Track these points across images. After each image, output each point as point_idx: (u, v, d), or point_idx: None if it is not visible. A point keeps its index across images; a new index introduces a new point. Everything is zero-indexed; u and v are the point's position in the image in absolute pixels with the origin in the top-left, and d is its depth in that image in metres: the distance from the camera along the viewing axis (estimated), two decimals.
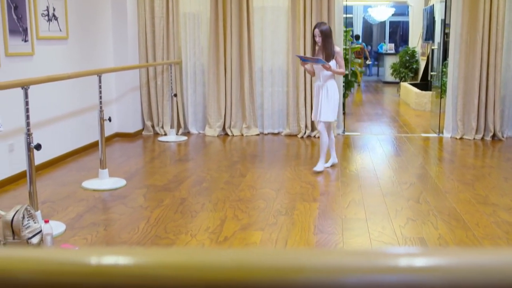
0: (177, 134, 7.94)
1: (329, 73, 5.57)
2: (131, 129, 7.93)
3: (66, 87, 6.33)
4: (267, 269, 0.54)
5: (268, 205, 4.65)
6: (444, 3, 8.41)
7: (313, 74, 5.79)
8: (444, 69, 8.31)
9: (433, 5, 11.49)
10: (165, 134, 8.00)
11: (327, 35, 5.54)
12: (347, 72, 8.46)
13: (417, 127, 8.92)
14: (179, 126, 8.14)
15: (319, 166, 5.77)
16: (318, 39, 5.55)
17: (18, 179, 5.46)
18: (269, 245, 3.77)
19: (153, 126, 8.19)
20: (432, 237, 3.91)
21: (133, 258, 0.54)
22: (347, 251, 0.58)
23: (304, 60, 5.71)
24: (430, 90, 11.02)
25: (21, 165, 5.49)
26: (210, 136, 7.92)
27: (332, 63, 5.54)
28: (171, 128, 7.90)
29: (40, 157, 5.74)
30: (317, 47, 5.68)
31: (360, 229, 4.10)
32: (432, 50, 11.45)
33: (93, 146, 7.06)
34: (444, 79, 8.18)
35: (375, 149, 7.12)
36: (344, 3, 7.94)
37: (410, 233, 3.99)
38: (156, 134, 8.14)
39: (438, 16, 10.59)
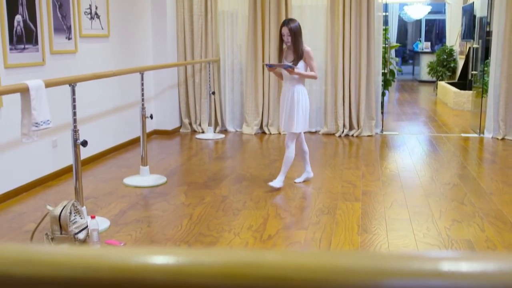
0: (214, 132, 7.96)
1: (297, 76, 4.90)
2: (169, 127, 7.98)
3: (106, 84, 6.40)
4: (355, 272, 0.52)
5: (310, 204, 4.63)
6: (486, 1, 8.26)
7: (281, 77, 5.09)
8: (485, 68, 8.16)
9: (473, 2, 11.30)
10: (203, 132, 8.04)
11: (296, 34, 4.84)
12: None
13: (456, 127, 8.78)
14: (216, 124, 8.16)
15: (277, 182, 5.04)
16: (287, 38, 4.85)
17: (61, 175, 5.54)
18: (313, 244, 3.74)
19: (190, 124, 8.23)
20: (479, 239, 3.84)
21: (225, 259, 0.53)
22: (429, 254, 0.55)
23: (271, 66, 4.99)
24: (469, 89, 10.85)
25: (64, 161, 5.58)
26: (247, 134, 7.93)
27: (301, 65, 4.89)
28: (209, 126, 7.93)
29: (82, 153, 5.81)
30: (285, 47, 5.01)
31: (405, 230, 4.05)
32: (472, 49, 11.26)
33: (132, 143, 7.13)
34: (485, 78, 8.03)
35: (415, 148, 7.03)
36: (384, 1, 7.85)
37: (456, 235, 3.92)
38: (194, 131, 8.18)
39: (479, 14, 10.41)
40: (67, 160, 5.65)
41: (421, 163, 6.23)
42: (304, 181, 5.30)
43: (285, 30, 4.83)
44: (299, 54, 4.87)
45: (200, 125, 8.16)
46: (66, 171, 5.62)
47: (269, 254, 0.53)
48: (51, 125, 3.55)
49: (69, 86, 3.91)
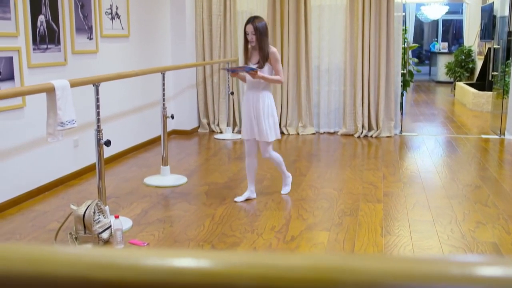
0: (232, 132, 7.96)
1: (261, 80, 4.49)
2: (188, 127, 7.99)
3: (125, 84, 6.42)
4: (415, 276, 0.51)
5: (332, 205, 4.60)
6: (507, 0, 8.17)
7: (244, 80, 4.68)
8: (506, 69, 8.08)
9: (493, 2, 11.20)
10: (221, 132, 8.04)
11: (262, 33, 4.41)
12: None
13: (476, 128, 8.71)
14: (234, 124, 8.16)
15: (285, 189, 5.01)
16: (251, 37, 4.41)
17: (82, 174, 5.56)
18: (337, 246, 3.72)
19: (208, 124, 8.23)
20: (505, 242, 3.79)
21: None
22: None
23: (232, 70, 4.59)
24: (488, 90, 10.75)
25: (85, 161, 5.61)
26: None
27: (267, 68, 4.48)
28: (227, 126, 7.93)
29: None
30: (250, 47, 4.56)
31: (428, 231, 4.01)
32: (491, 49, 11.16)
33: (151, 142, 7.14)
34: (506, 79, 7.95)
35: (434, 150, 6.97)
36: (404, 1, 7.80)
37: (481, 237, 3.88)
38: (212, 131, 8.19)
39: (499, 14, 10.31)
40: (88, 159, 5.67)
41: (442, 164, 6.18)
42: (246, 200, 4.77)
43: (249, 28, 4.41)
44: (264, 55, 4.43)
45: (218, 125, 8.17)
46: (87, 170, 5.65)
47: (356, 259, 0.52)
48: (76, 124, 3.56)
49: (93, 86, 3.92)
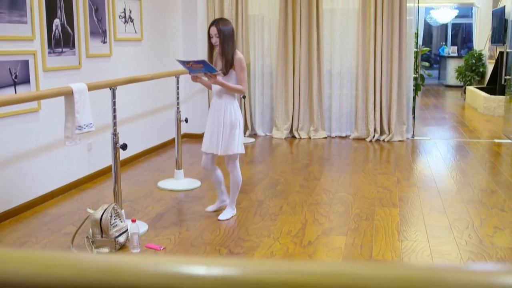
0: (244, 136, 7.94)
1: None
2: (199, 130, 7.98)
3: (137, 88, 6.42)
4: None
5: (347, 210, 4.58)
6: None
7: (209, 87, 4.33)
8: None
9: (504, 6, 11.16)
10: None
11: (227, 36, 4.06)
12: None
13: (488, 132, 8.66)
14: (246, 128, 8.15)
15: (226, 213, 4.39)
16: (215, 40, 4.08)
17: (95, 178, 5.56)
18: (354, 251, 3.70)
19: None
20: None
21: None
22: None
23: (191, 70, 4.10)
24: (499, 94, 10.70)
25: (99, 164, 5.61)
26: (277, 138, 7.90)
27: (232, 75, 4.12)
28: None
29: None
30: (215, 53, 4.24)
31: (446, 237, 3.98)
32: (503, 53, 11.11)
33: (162, 146, 7.14)
34: None
35: (447, 154, 6.94)
36: (416, 5, 7.78)
37: (499, 242, 3.85)
38: None
39: (511, 18, 10.27)
40: (102, 163, 5.68)
41: (456, 168, 6.14)
42: (216, 211, 4.52)
43: (213, 31, 4.06)
44: (227, 60, 4.07)
45: None
46: (100, 174, 5.65)
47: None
48: (93, 128, 3.56)
49: (110, 89, 3.92)
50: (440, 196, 5.02)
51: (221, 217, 4.35)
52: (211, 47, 4.20)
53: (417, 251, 3.70)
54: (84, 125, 3.49)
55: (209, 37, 4.12)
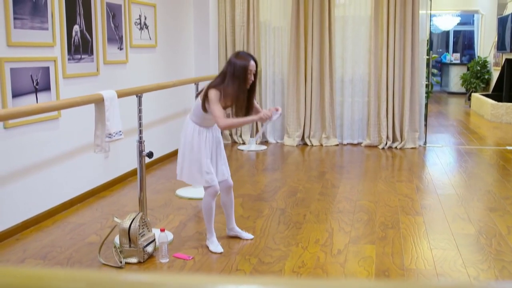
0: (255, 143, 7.90)
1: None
2: None
3: (152, 95, 6.37)
4: None
5: (371, 218, 4.53)
6: None
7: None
8: None
9: (510, 13, 11.17)
10: (243, 143, 7.98)
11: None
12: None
13: (499, 140, 8.64)
14: (256, 133, 8.10)
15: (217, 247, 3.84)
16: (251, 77, 3.65)
17: (112, 185, 5.51)
18: (386, 260, 3.65)
19: (231, 135, 8.18)
20: None
21: None
22: None
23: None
24: (506, 101, 10.69)
25: (115, 172, 5.56)
26: (289, 145, 7.85)
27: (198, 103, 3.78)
28: (251, 137, 7.88)
29: (129, 164, 5.78)
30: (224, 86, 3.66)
31: (475, 245, 3.94)
32: (510, 60, 11.11)
33: (175, 154, 7.07)
34: None
35: (462, 161, 6.90)
36: (428, 11, 7.77)
37: None
38: (234, 142, 8.13)
39: None
40: (118, 170, 5.62)
41: (473, 176, 6.11)
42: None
43: (253, 67, 3.62)
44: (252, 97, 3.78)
45: (241, 136, 8.11)
46: (117, 181, 5.59)
47: None
48: (122, 136, 3.51)
49: (136, 96, 3.87)
50: (462, 203, 4.98)
51: (245, 236, 4.05)
52: (244, 81, 3.60)
53: (449, 260, 3.66)
54: (114, 133, 3.44)
55: (247, 73, 3.58)
